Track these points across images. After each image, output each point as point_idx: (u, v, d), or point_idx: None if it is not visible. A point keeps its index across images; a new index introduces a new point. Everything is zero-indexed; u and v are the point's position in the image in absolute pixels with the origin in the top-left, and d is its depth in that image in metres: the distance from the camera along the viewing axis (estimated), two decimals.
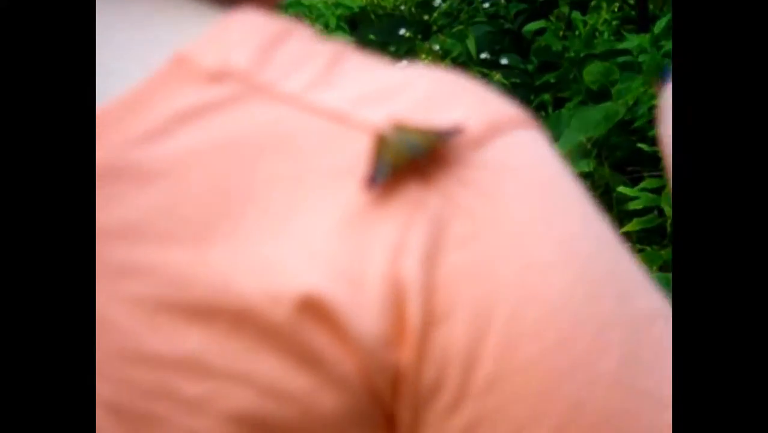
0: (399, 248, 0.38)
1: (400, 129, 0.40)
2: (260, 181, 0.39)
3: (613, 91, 2.57)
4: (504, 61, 2.62)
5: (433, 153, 0.39)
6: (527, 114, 0.41)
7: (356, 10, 2.72)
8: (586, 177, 2.46)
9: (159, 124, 0.40)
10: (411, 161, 0.39)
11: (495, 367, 0.38)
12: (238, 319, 0.38)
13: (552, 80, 2.65)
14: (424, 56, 2.47)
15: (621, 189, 2.47)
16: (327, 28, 2.46)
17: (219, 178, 0.39)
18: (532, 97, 2.61)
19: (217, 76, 0.40)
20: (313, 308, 0.38)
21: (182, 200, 0.39)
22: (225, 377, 0.38)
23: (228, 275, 0.38)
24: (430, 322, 0.38)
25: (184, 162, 0.39)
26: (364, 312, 0.38)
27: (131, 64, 0.42)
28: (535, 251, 0.38)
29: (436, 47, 2.50)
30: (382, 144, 0.39)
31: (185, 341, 0.38)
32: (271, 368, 0.38)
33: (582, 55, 2.66)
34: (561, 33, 2.73)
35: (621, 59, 2.65)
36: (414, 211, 0.38)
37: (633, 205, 2.42)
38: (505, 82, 2.60)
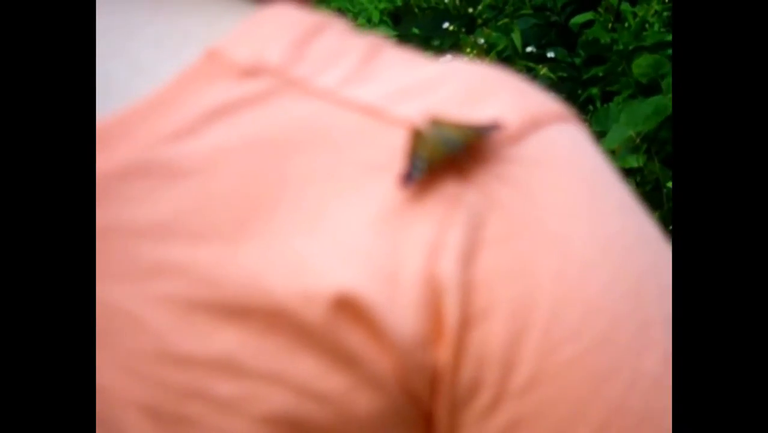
0: (436, 245, 0.38)
1: (437, 124, 0.39)
2: (294, 177, 0.39)
3: (663, 84, 2.54)
4: (551, 54, 2.61)
5: (470, 148, 0.39)
6: (567, 108, 0.41)
7: (399, 3, 2.72)
8: (636, 172, 2.42)
9: (190, 120, 0.40)
10: (448, 157, 0.39)
11: (534, 368, 0.37)
12: (272, 318, 0.38)
13: (600, 74, 2.62)
14: (468, 50, 2.44)
15: (672, 184, 2.43)
16: (370, 23, 2.44)
17: (251, 175, 0.39)
18: (579, 92, 2.59)
19: (250, 72, 0.40)
20: (349, 307, 0.37)
21: (214, 198, 0.39)
22: (259, 378, 0.38)
23: (261, 273, 0.38)
24: (467, 321, 0.37)
25: (215, 159, 0.39)
26: (401, 311, 0.37)
27: (162, 60, 0.42)
28: (573, 249, 0.38)
29: (481, 41, 2.48)
30: (418, 139, 0.39)
31: (218, 341, 0.38)
32: (306, 368, 0.37)
33: (631, 47, 2.62)
34: (609, 25, 2.70)
35: (671, 52, 2.61)
36: (451, 208, 0.38)
37: None
38: (552, 76, 2.57)
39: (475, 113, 0.39)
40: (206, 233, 0.38)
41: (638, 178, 2.40)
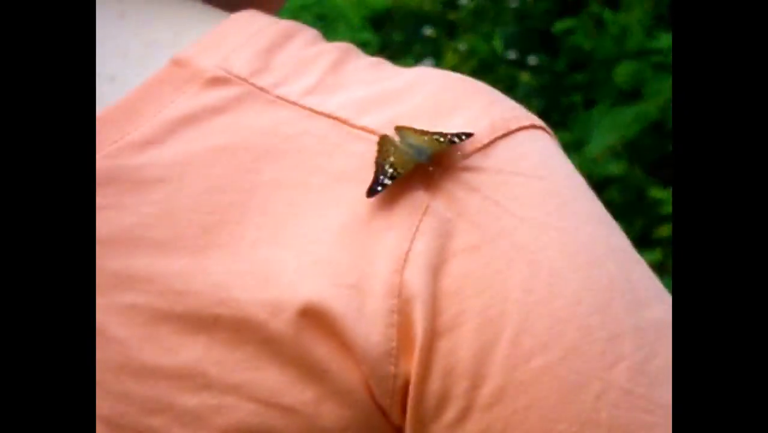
0: (404, 257, 0.38)
1: (405, 133, 0.39)
2: (261, 186, 0.39)
3: (645, 91, 2.55)
4: (532, 61, 2.62)
5: (438, 157, 0.39)
6: (535, 116, 0.41)
7: (380, 9, 2.72)
8: (618, 180, 2.43)
9: (157, 129, 0.40)
10: (416, 166, 0.39)
11: (503, 379, 0.37)
12: (238, 329, 0.38)
13: (582, 81, 2.63)
14: (449, 56, 2.46)
15: (654, 192, 2.44)
16: (351, 28, 2.45)
17: (218, 184, 0.39)
18: (561, 99, 2.60)
19: (216, 81, 0.40)
20: (316, 318, 0.37)
21: (180, 208, 0.39)
22: (224, 389, 0.38)
23: (227, 283, 0.38)
24: (435, 333, 0.38)
25: (182, 168, 0.39)
26: (369, 322, 0.37)
27: (130, 68, 0.42)
28: (541, 259, 0.38)
29: (462, 47, 2.50)
30: (385, 148, 0.39)
31: (183, 353, 0.38)
32: (272, 380, 0.37)
33: (613, 54, 2.64)
34: (591, 32, 2.71)
35: (653, 59, 2.62)
36: (419, 218, 0.38)
37: (666, 209, 2.39)
38: (534, 82, 2.59)
39: (444, 123, 0.39)
40: (172, 243, 0.38)
41: (620, 187, 2.42)
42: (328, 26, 2.46)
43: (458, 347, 0.37)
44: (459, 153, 0.39)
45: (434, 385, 0.37)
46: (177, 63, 0.41)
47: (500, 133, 0.39)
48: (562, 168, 0.40)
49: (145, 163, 0.39)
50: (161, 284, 0.38)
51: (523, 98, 2.41)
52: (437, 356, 0.37)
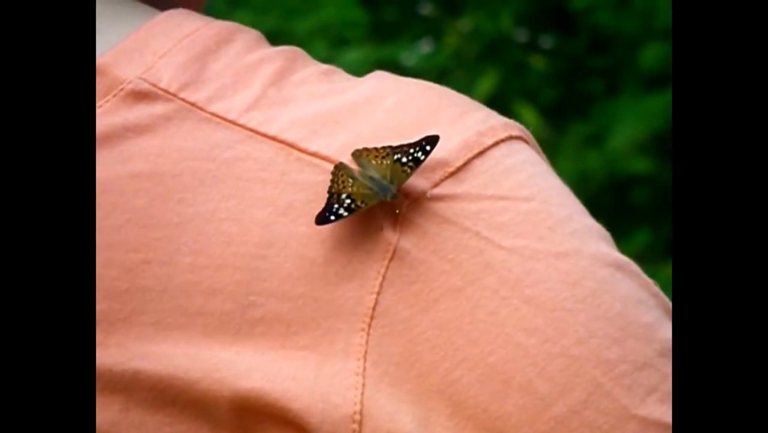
0: (369, 314, 0.36)
1: (363, 161, 0.38)
2: (192, 219, 0.37)
3: None
4: (546, 42, 2.57)
5: (404, 189, 0.37)
6: (510, 120, 0.40)
7: None
8: (644, 179, 2.38)
9: None
10: (379, 201, 0.37)
11: None
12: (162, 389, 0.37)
13: (603, 65, 2.58)
14: (450, 37, 2.34)
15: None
16: (337, 5, 2.38)
17: (141, 217, 0.37)
18: (579, 86, 2.53)
19: (140, 95, 0.38)
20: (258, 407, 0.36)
21: (96, 245, 0.37)
22: None
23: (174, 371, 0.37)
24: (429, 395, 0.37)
25: (97, 197, 0.37)
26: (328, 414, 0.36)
27: None
28: (539, 294, 0.37)
29: (465, 26, 2.39)
30: (342, 180, 0.37)
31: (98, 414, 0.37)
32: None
33: (639, 35, 2.55)
34: (614, 9, 2.62)
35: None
36: (385, 263, 0.37)
37: None
38: (548, 67, 2.50)
39: (407, 144, 0.38)
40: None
41: (647, 187, 2.38)
42: (312, 3, 2.33)
43: (464, 404, 0.36)
44: (427, 179, 0.38)
45: None
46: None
47: (475, 152, 0.38)
48: (547, 182, 0.39)
49: None
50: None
51: (536, 86, 2.35)
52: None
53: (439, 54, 2.31)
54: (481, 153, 0.38)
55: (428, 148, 0.37)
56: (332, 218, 0.36)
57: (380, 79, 0.40)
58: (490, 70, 2.25)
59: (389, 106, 0.39)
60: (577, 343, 0.37)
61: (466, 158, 0.38)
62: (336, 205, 0.37)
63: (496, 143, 0.39)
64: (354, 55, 2.15)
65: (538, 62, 2.45)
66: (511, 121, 0.40)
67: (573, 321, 0.37)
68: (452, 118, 0.39)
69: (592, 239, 0.39)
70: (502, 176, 0.38)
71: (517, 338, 0.36)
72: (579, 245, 0.38)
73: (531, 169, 0.39)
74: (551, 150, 1.96)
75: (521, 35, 2.52)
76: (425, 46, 2.31)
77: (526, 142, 0.40)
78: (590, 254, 0.38)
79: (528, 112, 2.11)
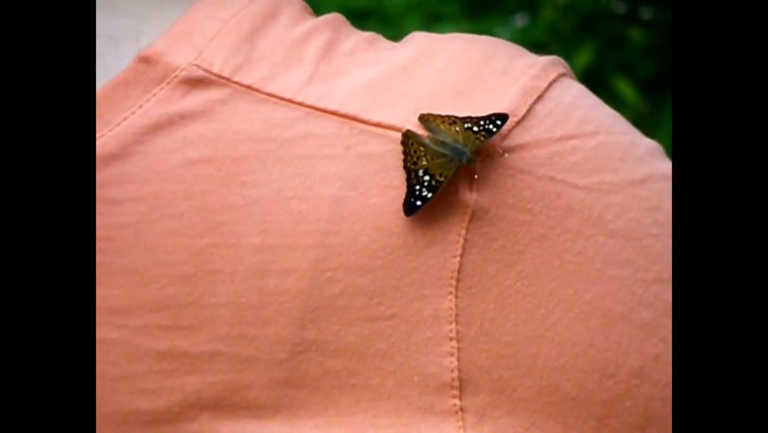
0: (454, 277, 0.36)
1: (432, 126, 0.37)
2: (258, 200, 0.37)
3: None
4: (646, 14, 2.50)
5: (478, 153, 0.37)
6: (553, 57, 0.40)
7: None
8: None
9: (123, 140, 0.37)
10: (459, 169, 0.36)
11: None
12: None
13: None
14: (546, 11, 2.31)
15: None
16: None
17: (204, 202, 0.37)
18: None
19: (194, 81, 0.38)
20: None
21: (159, 231, 0.36)
22: None
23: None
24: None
25: (156, 185, 0.37)
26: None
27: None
28: (626, 226, 0.37)
29: None
30: (413, 149, 0.36)
31: (166, 395, 0.37)
32: None
33: None
34: None
35: None
36: (464, 225, 0.37)
37: None
38: (647, 40, 2.43)
39: (468, 101, 0.38)
40: (151, 270, 0.37)
41: None
42: None
43: (568, 343, 0.37)
44: (499, 139, 0.37)
45: None
46: (144, 60, 0.39)
47: (534, 97, 0.39)
48: (604, 111, 0.39)
49: (109, 181, 0.37)
50: (139, 317, 0.37)
51: (633, 59, 2.32)
52: None
53: (535, 28, 2.29)
54: (540, 97, 0.39)
55: (499, 123, 0.38)
56: (419, 203, 0.37)
57: (422, 39, 0.40)
58: (586, 44, 2.22)
59: (440, 64, 0.39)
60: (669, 267, 0.37)
61: (528, 105, 0.38)
62: (417, 187, 0.37)
63: (551, 84, 0.39)
64: (449, 30, 2.12)
65: (636, 34, 2.40)
66: (553, 58, 0.40)
67: (661, 246, 0.37)
68: (503, 66, 0.39)
69: (657, 160, 0.39)
70: (564, 116, 0.39)
71: (609, 272, 0.37)
72: (650, 170, 0.39)
73: (586, 102, 0.40)
74: (649, 125, 1.95)
75: (620, 7, 2.48)
76: (520, 21, 2.29)
77: (569, 74, 0.41)
78: (661, 176, 0.39)
79: (625, 87, 2.08)
